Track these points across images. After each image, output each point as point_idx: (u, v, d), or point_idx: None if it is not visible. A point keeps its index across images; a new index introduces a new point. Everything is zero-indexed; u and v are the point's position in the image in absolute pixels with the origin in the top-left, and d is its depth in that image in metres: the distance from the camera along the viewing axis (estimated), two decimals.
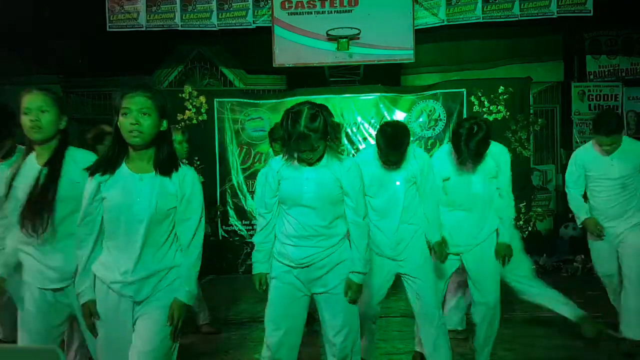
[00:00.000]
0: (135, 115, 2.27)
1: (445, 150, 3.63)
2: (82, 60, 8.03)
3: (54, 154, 2.61)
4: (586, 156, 4.19)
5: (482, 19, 7.08)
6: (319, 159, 2.78)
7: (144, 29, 7.27)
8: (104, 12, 7.16)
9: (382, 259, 3.42)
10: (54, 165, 2.59)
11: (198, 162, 6.99)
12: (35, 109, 2.55)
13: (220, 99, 7.43)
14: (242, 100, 7.48)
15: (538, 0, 7.02)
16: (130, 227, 2.32)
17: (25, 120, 2.56)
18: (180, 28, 7.29)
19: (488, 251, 3.54)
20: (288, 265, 2.83)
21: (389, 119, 7.23)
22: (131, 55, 8.00)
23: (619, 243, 4.08)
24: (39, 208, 2.53)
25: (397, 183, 3.38)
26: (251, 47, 8.13)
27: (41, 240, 2.56)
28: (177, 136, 4.13)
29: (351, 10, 7.00)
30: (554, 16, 6.99)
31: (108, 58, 8.03)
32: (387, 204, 3.39)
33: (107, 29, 7.22)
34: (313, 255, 2.78)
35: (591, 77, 8.28)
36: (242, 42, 8.23)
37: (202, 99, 7.30)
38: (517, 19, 7.04)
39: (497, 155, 3.53)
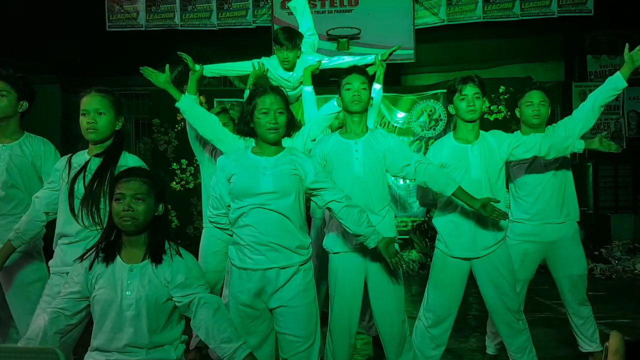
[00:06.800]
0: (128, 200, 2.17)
1: None
2: (82, 59, 8.01)
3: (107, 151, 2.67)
4: None
5: (483, 18, 7.08)
6: None
7: (143, 28, 7.26)
8: (103, 12, 7.16)
9: None
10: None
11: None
12: (93, 111, 2.62)
13: (220, 99, 7.42)
14: (242, 100, 7.40)
15: (538, 0, 7.01)
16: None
17: (82, 121, 2.65)
18: (179, 28, 7.28)
19: None
20: None
21: (389, 118, 7.21)
22: (131, 55, 7.98)
23: None
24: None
25: None
26: (251, 47, 8.10)
27: None
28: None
29: (351, 10, 7.00)
30: (554, 16, 6.99)
31: (108, 58, 8.01)
32: None
33: (107, 29, 7.21)
34: None
35: (592, 77, 8.25)
36: (242, 42, 8.21)
37: (202, 98, 7.28)
38: (517, 18, 7.04)
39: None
